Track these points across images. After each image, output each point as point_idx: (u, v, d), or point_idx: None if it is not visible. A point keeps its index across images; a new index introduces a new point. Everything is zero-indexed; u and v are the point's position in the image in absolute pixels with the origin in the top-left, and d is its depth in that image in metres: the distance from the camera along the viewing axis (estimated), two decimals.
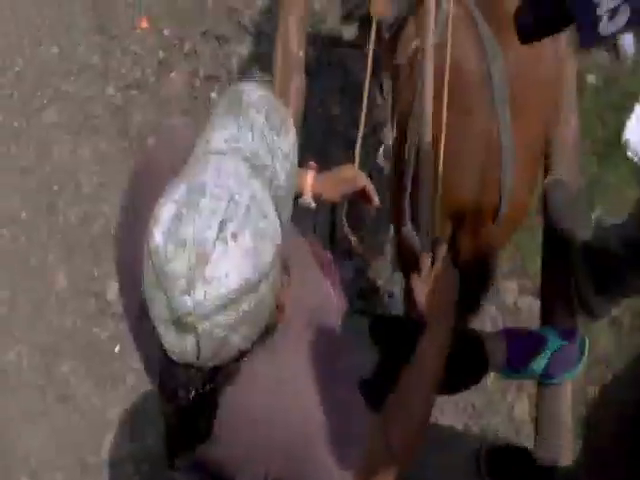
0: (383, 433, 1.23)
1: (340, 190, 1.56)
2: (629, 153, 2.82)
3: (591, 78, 2.98)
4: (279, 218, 1.00)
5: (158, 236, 0.93)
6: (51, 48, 3.59)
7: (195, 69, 3.46)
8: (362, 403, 1.20)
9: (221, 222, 0.92)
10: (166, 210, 0.94)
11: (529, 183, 1.68)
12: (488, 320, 2.74)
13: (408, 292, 1.54)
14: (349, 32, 3.09)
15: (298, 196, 1.50)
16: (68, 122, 3.43)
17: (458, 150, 1.54)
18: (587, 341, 2.03)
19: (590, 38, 0.88)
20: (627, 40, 2.95)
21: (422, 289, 1.45)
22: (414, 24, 1.68)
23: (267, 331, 1.09)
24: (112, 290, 2.96)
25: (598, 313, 2.03)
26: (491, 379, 2.60)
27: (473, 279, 1.77)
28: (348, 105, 3.08)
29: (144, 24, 3.61)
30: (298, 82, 2.31)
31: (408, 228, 1.71)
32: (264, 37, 3.40)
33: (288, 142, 1.04)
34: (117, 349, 2.89)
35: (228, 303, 0.92)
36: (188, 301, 0.90)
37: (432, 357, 1.36)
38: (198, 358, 0.96)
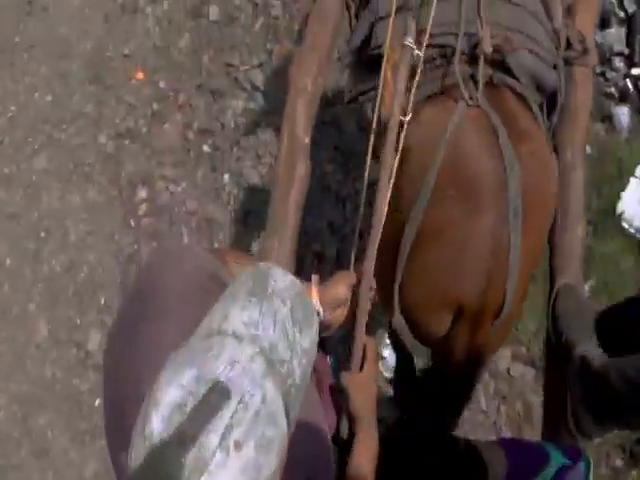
0: None
1: (344, 284, 1.49)
2: (624, 224, 2.83)
3: (586, 149, 3.01)
4: (287, 418, 0.90)
5: (156, 422, 0.83)
6: (46, 96, 3.61)
7: (189, 122, 3.47)
8: None
9: (227, 426, 0.82)
10: (169, 394, 0.84)
11: (524, 288, 1.66)
12: (481, 387, 2.71)
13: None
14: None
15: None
16: (58, 169, 3.42)
17: (465, 248, 1.53)
18: (592, 463, 1.92)
19: None
20: (622, 111, 3.00)
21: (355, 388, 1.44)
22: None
23: None
24: (94, 340, 2.93)
25: (592, 436, 1.93)
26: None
27: (462, 378, 1.77)
28: (341, 162, 3.10)
29: (140, 75, 3.63)
30: (302, 170, 2.18)
31: (397, 318, 1.69)
32: (259, 93, 3.44)
33: (310, 338, 0.96)
34: (97, 402, 2.83)
35: None
36: None
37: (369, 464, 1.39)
38: None
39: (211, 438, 0.80)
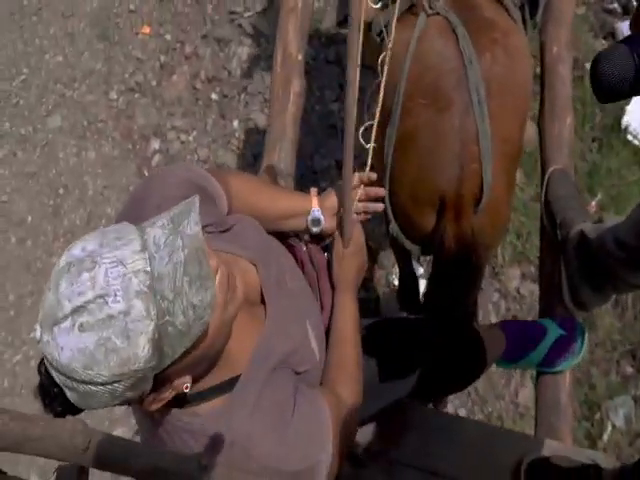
0: (334, 394, 1.33)
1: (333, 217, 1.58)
2: (629, 137, 2.80)
3: (589, 66, 2.97)
4: (156, 350, 0.95)
5: (61, 261, 0.95)
6: (56, 56, 3.67)
7: (196, 72, 3.51)
8: (318, 452, 1.22)
9: (80, 307, 0.90)
10: (76, 249, 0.95)
11: (507, 177, 1.69)
12: (490, 306, 2.76)
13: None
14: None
15: (306, 214, 1.55)
16: (73, 127, 3.49)
17: (436, 145, 1.59)
18: (586, 330, 2.03)
19: None
20: (625, 26, 2.95)
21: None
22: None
23: (220, 389, 1.15)
24: None
25: (589, 306, 2.01)
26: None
27: (462, 271, 1.79)
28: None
29: (146, 29, 3.66)
30: (297, 86, 2.28)
31: (393, 225, 1.77)
32: (264, 39, 3.44)
33: (201, 298, 0.97)
34: None
35: (57, 369, 0.93)
36: (38, 331, 0.94)
37: (349, 321, 1.49)
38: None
39: (66, 304, 0.91)
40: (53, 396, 1.01)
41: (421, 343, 1.72)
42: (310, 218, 1.55)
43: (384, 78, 1.46)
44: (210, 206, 1.33)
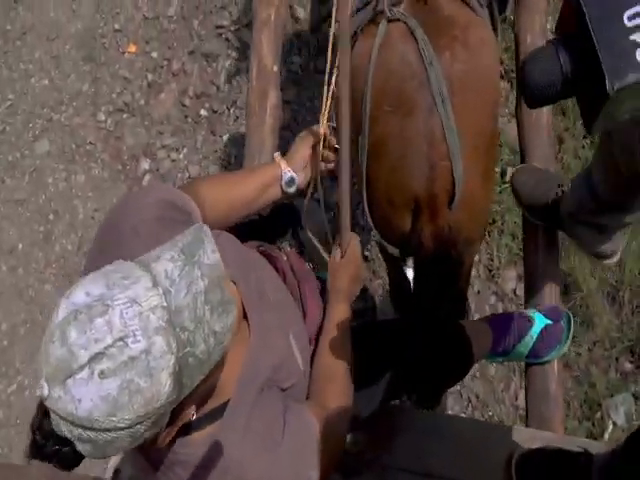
0: (321, 407, 1.34)
1: (306, 144, 1.64)
2: None
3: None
4: (177, 383, 0.94)
5: (61, 311, 0.91)
6: (42, 80, 3.62)
7: (184, 88, 3.46)
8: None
9: (98, 354, 0.88)
10: (78, 296, 0.92)
11: (482, 171, 1.71)
12: (488, 308, 2.78)
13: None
14: None
15: (279, 179, 1.60)
16: (61, 151, 3.45)
17: (405, 148, 1.61)
18: (572, 317, 2.08)
19: (622, 69, 0.82)
20: None
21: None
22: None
23: (211, 416, 1.15)
24: None
25: (603, 252, 2.06)
26: (494, 369, 2.65)
27: (444, 268, 1.80)
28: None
29: (132, 48, 3.62)
30: (274, 98, 2.29)
31: (374, 231, 1.79)
32: (250, 51, 3.39)
33: (222, 324, 0.98)
34: None
35: (74, 422, 0.89)
36: (45, 388, 0.89)
37: (339, 331, 1.49)
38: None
39: (82, 353, 0.87)
40: (49, 455, 0.99)
41: (404, 343, 1.74)
42: (284, 181, 1.59)
43: (331, 87, 1.56)
44: (185, 224, 1.29)
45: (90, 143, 3.43)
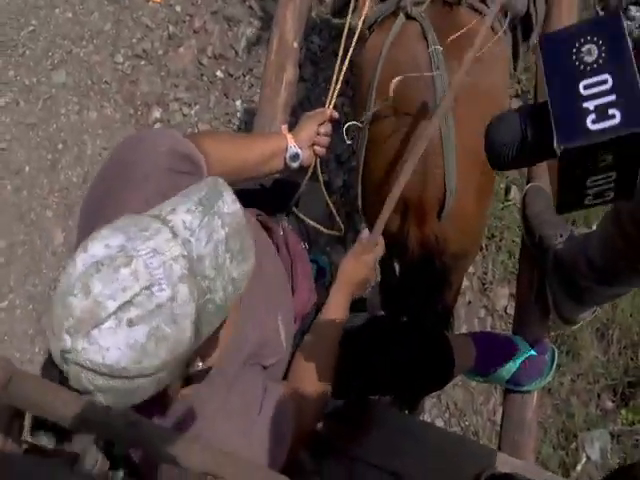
0: (299, 391, 1.38)
1: (313, 123, 1.67)
2: None
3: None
4: (196, 330, 0.96)
5: (80, 264, 0.92)
6: (66, 12, 3.69)
7: (203, 47, 3.56)
8: (280, 449, 1.26)
9: (126, 302, 0.90)
10: (97, 248, 0.93)
11: (477, 187, 1.70)
12: (476, 321, 2.81)
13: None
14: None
15: (284, 152, 1.61)
16: (77, 84, 3.53)
17: (402, 148, 1.63)
18: (556, 353, 2.07)
19: (572, 132, 0.81)
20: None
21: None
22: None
23: (191, 380, 1.16)
24: None
25: (571, 318, 2.04)
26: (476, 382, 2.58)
27: (426, 275, 1.81)
28: (351, 95, 3.15)
29: None
30: (290, 74, 2.29)
31: (364, 225, 1.83)
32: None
33: (241, 271, 1.00)
34: None
35: (100, 372, 0.90)
36: (68, 341, 0.90)
37: (333, 317, 1.51)
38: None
39: (109, 303, 0.89)
40: None
41: (397, 341, 1.73)
42: (288, 155, 1.61)
43: (343, 70, 1.65)
44: (194, 176, 1.33)
45: (105, 82, 3.52)
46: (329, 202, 1.79)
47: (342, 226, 1.81)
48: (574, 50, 0.83)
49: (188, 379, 1.16)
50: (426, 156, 1.56)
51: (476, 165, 1.64)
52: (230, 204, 1.00)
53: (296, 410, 1.31)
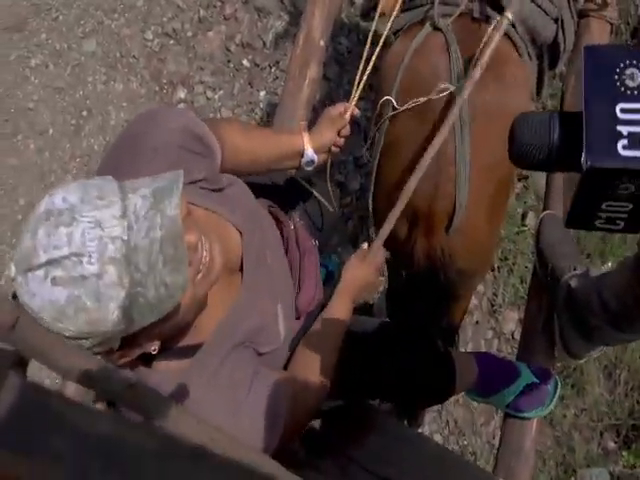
0: (295, 384, 1.35)
1: (333, 129, 1.66)
2: None
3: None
4: (126, 316, 0.96)
5: (42, 206, 0.96)
6: None
7: (232, 34, 3.65)
8: (266, 432, 1.23)
9: (54, 260, 0.91)
10: (57, 197, 0.95)
11: (488, 205, 1.70)
12: (483, 342, 2.83)
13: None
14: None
15: (299, 155, 1.62)
16: (106, 55, 3.63)
17: (416, 158, 1.60)
18: (560, 384, 2.04)
19: (602, 151, 0.78)
20: None
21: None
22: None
23: (182, 352, 1.17)
24: None
25: (581, 356, 1.98)
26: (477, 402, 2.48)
27: (430, 288, 1.81)
28: (373, 99, 3.27)
29: None
30: (314, 71, 2.27)
31: (373, 230, 1.82)
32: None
33: (173, 279, 0.97)
34: None
35: (27, 308, 0.93)
36: (12, 271, 0.95)
37: (336, 317, 1.50)
38: None
39: (41, 254, 0.92)
40: None
41: (405, 348, 1.72)
42: (304, 161, 1.62)
43: (366, 73, 1.66)
44: (205, 158, 1.34)
45: (134, 57, 3.61)
46: (328, 182, 1.82)
47: (335, 204, 1.86)
48: (617, 70, 0.80)
49: (179, 353, 1.17)
50: (439, 168, 1.59)
51: (490, 183, 1.66)
52: (173, 208, 0.97)
53: (291, 398, 1.29)
